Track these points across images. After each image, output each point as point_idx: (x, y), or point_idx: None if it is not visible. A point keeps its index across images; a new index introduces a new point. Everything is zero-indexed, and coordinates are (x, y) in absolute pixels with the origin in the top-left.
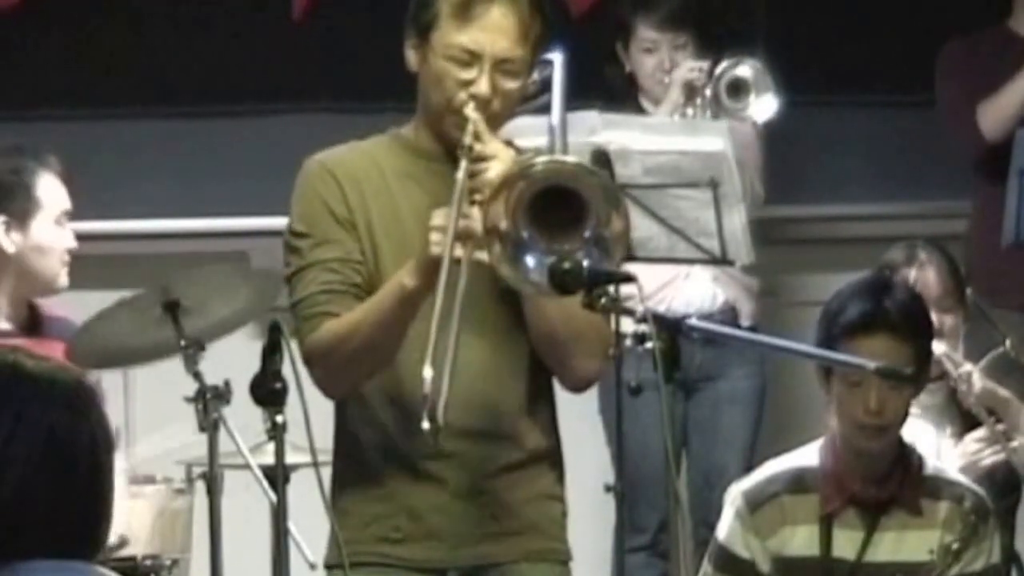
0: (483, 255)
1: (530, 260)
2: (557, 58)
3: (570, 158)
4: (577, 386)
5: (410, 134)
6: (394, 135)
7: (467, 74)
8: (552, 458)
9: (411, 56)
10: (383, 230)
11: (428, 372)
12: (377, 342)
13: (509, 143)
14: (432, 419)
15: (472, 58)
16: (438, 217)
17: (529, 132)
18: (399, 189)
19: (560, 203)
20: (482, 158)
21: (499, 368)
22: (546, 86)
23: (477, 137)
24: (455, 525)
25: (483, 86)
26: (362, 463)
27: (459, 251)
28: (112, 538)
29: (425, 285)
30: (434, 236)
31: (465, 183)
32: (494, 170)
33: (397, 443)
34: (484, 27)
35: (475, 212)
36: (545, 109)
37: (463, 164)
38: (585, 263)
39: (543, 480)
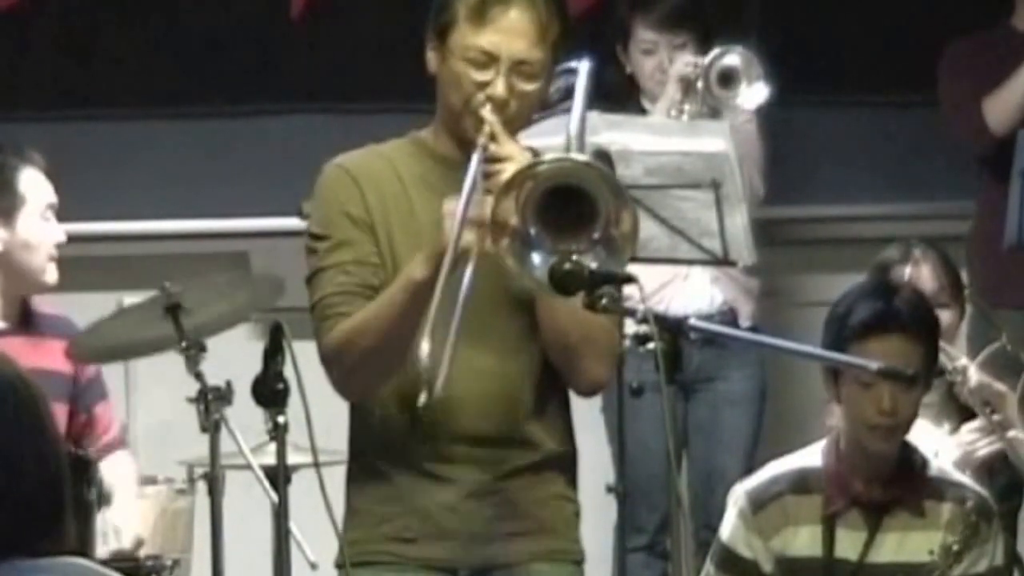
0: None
1: (536, 258)
2: (583, 66)
3: (579, 156)
4: (587, 390)
5: (429, 138)
6: (413, 139)
7: (484, 76)
8: (565, 462)
9: (431, 58)
10: (401, 235)
11: (425, 347)
12: (388, 337)
13: (531, 149)
14: (429, 393)
15: (489, 59)
16: (450, 204)
17: (526, 132)
18: (417, 195)
19: (571, 203)
20: (497, 159)
21: (511, 373)
22: (570, 93)
23: (493, 138)
24: (466, 525)
25: (499, 88)
26: (374, 464)
27: (469, 237)
28: (128, 543)
29: (434, 276)
30: (447, 223)
31: (478, 172)
32: (509, 171)
33: (409, 445)
34: (500, 28)
35: (487, 199)
36: (566, 115)
37: (475, 160)
38: (590, 264)
39: (555, 482)
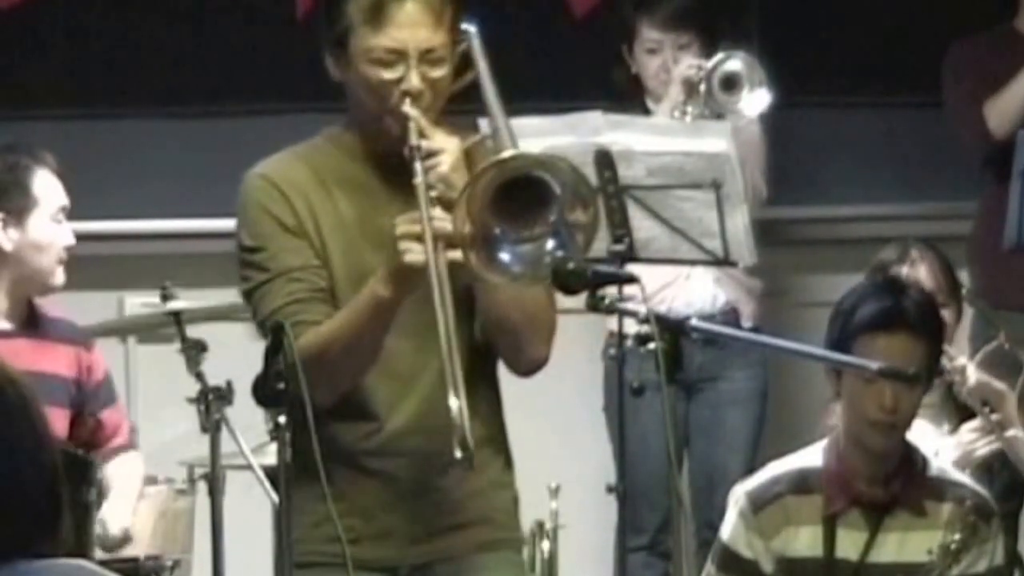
0: (456, 253)
1: (505, 255)
2: (471, 28)
3: (518, 152)
4: (528, 371)
5: (347, 136)
6: (328, 137)
7: (394, 73)
8: (495, 445)
9: (332, 67)
10: (331, 238)
11: (455, 403)
12: (356, 351)
13: (454, 128)
14: (464, 447)
15: (396, 57)
16: (403, 225)
17: (529, 132)
18: (340, 194)
19: (520, 191)
20: (431, 153)
21: (437, 361)
22: (466, 59)
23: (421, 134)
24: (406, 523)
25: (414, 81)
26: (313, 462)
27: (436, 255)
28: (116, 530)
29: (399, 293)
30: (403, 244)
31: (425, 185)
32: (444, 163)
33: (346, 443)
34: (400, 24)
35: (439, 212)
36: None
37: (418, 167)
38: (549, 246)
39: (490, 469)
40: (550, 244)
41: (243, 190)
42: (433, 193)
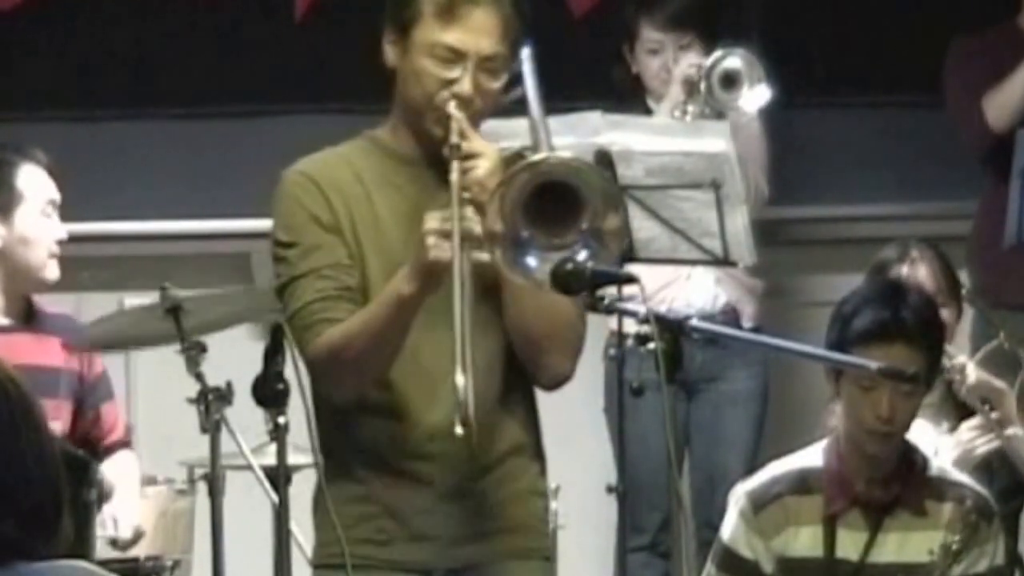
0: (483, 255)
1: (532, 260)
2: (525, 51)
3: (561, 154)
4: (549, 384)
5: (386, 137)
6: (370, 138)
7: (450, 73)
8: (531, 451)
9: (389, 52)
10: (367, 237)
11: (460, 379)
12: (377, 348)
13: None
14: (465, 423)
15: (456, 57)
16: (431, 221)
17: (528, 132)
18: (379, 195)
19: (554, 198)
20: (470, 156)
21: (475, 364)
22: (515, 80)
23: (462, 135)
24: (440, 527)
25: (466, 85)
26: (345, 463)
27: (461, 255)
28: (128, 532)
29: (422, 290)
30: (430, 240)
31: (459, 184)
32: (481, 168)
33: (381, 445)
34: (469, 27)
35: (470, 212)
36: (522, 103)
37: (455, 165)
38: (581, 256)
39: (525, 476)
40: (582, 254)
41: (280, 186)
42: (466, 195)
